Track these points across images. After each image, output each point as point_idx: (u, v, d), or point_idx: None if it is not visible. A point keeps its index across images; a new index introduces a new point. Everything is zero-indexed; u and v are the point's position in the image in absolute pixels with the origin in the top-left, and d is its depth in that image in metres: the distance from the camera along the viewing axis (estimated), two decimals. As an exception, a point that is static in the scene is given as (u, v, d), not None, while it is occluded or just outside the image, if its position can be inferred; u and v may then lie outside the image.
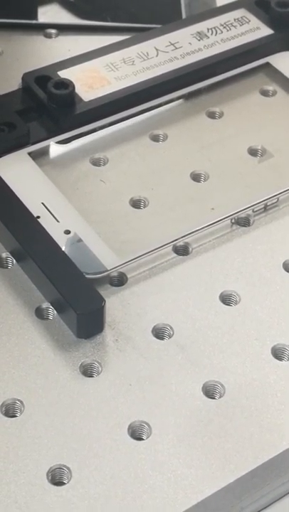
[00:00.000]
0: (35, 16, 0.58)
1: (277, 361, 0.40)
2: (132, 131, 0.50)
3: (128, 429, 0.38)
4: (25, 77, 0.50)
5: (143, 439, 0.38)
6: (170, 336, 0.41)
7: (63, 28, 0.56)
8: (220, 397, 0.39)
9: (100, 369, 0.40)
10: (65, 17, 0.57)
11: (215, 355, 0.40)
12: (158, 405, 0.38)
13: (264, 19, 0.55)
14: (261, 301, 0.42)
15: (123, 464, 0.37)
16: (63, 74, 0.50)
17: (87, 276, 0.41)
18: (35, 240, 0.42)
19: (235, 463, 0.37)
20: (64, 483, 0.36)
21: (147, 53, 0.52)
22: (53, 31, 0.56)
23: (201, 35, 0.53)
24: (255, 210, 0.46)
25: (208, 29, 0.54)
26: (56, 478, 0.36)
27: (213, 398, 0.39)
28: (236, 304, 0.42)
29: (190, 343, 0.41)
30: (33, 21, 0.57)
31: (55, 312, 0.42)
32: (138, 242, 0.44)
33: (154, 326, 0.41)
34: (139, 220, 0.45)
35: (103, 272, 0.42)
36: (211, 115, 0.51)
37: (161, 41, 0.53)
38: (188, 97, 0.52)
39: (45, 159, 0.48)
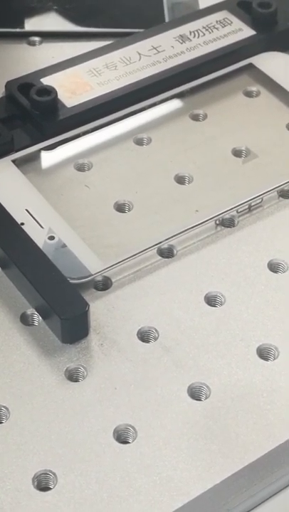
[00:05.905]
0: (21, 25, 0.58)
1: (263, 361, 0.40)
2: (116, 135, 0.50)
3: (114, 432, 0.38)
4: (8, 85, 0.50)
5: (129, 443, 0.37)
6: (155, 339, 0.41)
7: (47, 36, 0.56)
8: (205, 398, 0.39)
9: (86, 373, 0.40)
10: (48, 24, 0.57)
11: (200, 357, 0.40)
12: (143, 408, 0.38)
13: (246, 20, 0.54)
14: (246, 301, 0.42)
15: (109, 468, 0.37)
16: (46, 81, 0.50)
17: (71, 281, 0.41)
18: (19, 247, 0.43)
19: (222, 464, 0.37)
20: (50, 489, 0.36)
21: (130, 58, 0.52)
22: (37, 39, 0.56)
23: (183, 38, 0.53)
24: (240, 210, 0.46)
25: (190, 32, 0.54)
26: (42, 483, 0.36)
27: (199, 400, 0.39)
28: (221, 305, 0.42)
29: (175, 345, 0.41)
30: (17, 29, 0.57)
31: (40, 318, 0.42)
32: (122, 246, 0.44)
33: (139, 329, 0.41)
34: (123, 224, 0.45)
35: (87, 276, 0.42)
36: (195, 117, 0.51)
37: (144, 45, 0.53)
38: (171, 99, 0.52)
39: (29, 166, 0.48)
